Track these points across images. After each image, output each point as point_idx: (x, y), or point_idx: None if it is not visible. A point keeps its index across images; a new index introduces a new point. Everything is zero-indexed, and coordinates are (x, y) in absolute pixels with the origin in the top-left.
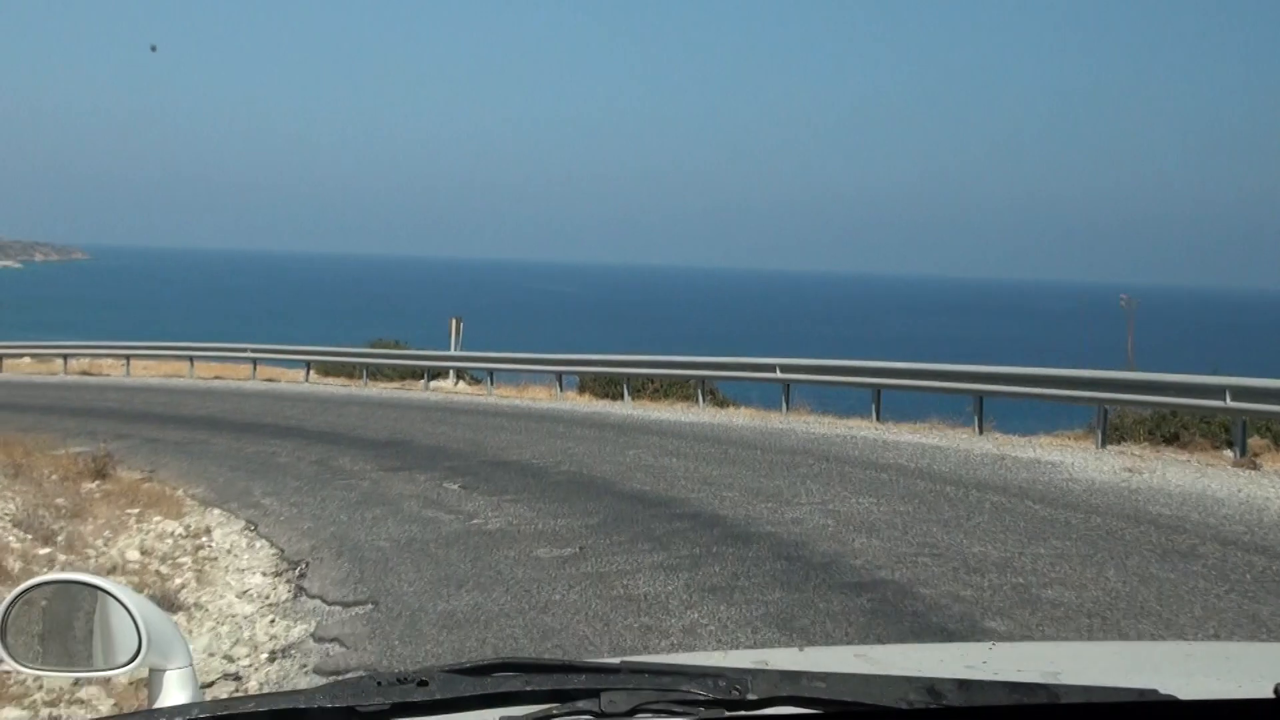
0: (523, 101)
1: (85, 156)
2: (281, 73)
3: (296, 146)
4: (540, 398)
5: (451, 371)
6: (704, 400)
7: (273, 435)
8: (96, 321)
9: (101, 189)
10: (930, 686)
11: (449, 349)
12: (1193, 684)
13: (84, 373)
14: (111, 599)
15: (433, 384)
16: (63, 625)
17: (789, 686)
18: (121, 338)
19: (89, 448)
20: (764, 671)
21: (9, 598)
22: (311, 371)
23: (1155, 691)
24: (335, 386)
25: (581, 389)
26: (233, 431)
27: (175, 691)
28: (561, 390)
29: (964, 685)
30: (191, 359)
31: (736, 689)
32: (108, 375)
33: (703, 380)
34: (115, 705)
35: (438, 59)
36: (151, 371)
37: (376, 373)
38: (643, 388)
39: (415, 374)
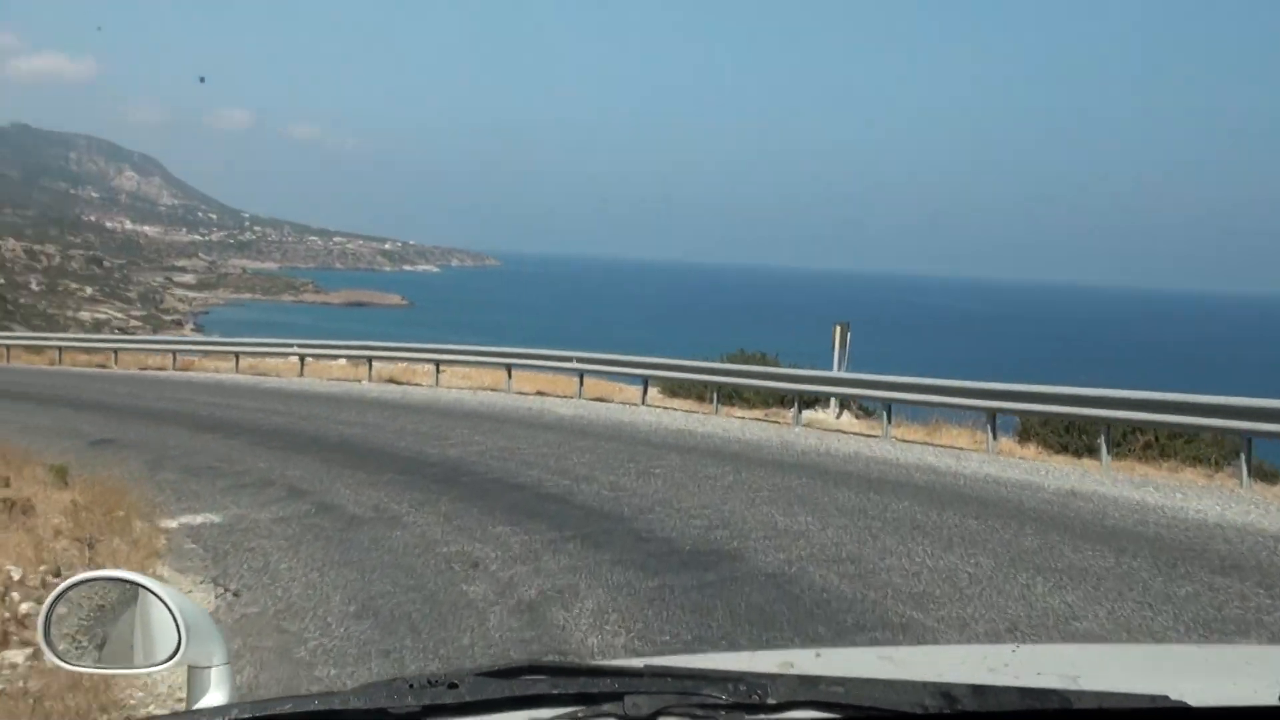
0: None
1: (499, 169)
2: (656, 96)
3: (684, 161)
4: (960, 445)
5: (833, 399)
6: (1247, 473)
7: (516, 509)
8: (494, 322)
9: (516, 200)
10: (946, 691)
11: (831, 368)
12: (1207, 689)
13: (391, 380)
14: (152, 596)
15: (806, 415)
16: (104, 622)
17: (808, 691)
18: (505, 340)
19: (222, 516)
20: (784, 676)
21: (51, 596)
22: (651, 389)
23: (1166, 698)
24: (677, 411)
25: (1023, 435)
26: (460, 497)
27: (214, 689)
28: (994, 437)
29: (978, 690)
30: (509, 368)
31: (757, 693)
32: (416, 385)
33: (1248, 440)
34: None
35: (814, 71)
36: (467, 381)
37: (733, 395)
38: (1124, 440)
39: (783, 399)
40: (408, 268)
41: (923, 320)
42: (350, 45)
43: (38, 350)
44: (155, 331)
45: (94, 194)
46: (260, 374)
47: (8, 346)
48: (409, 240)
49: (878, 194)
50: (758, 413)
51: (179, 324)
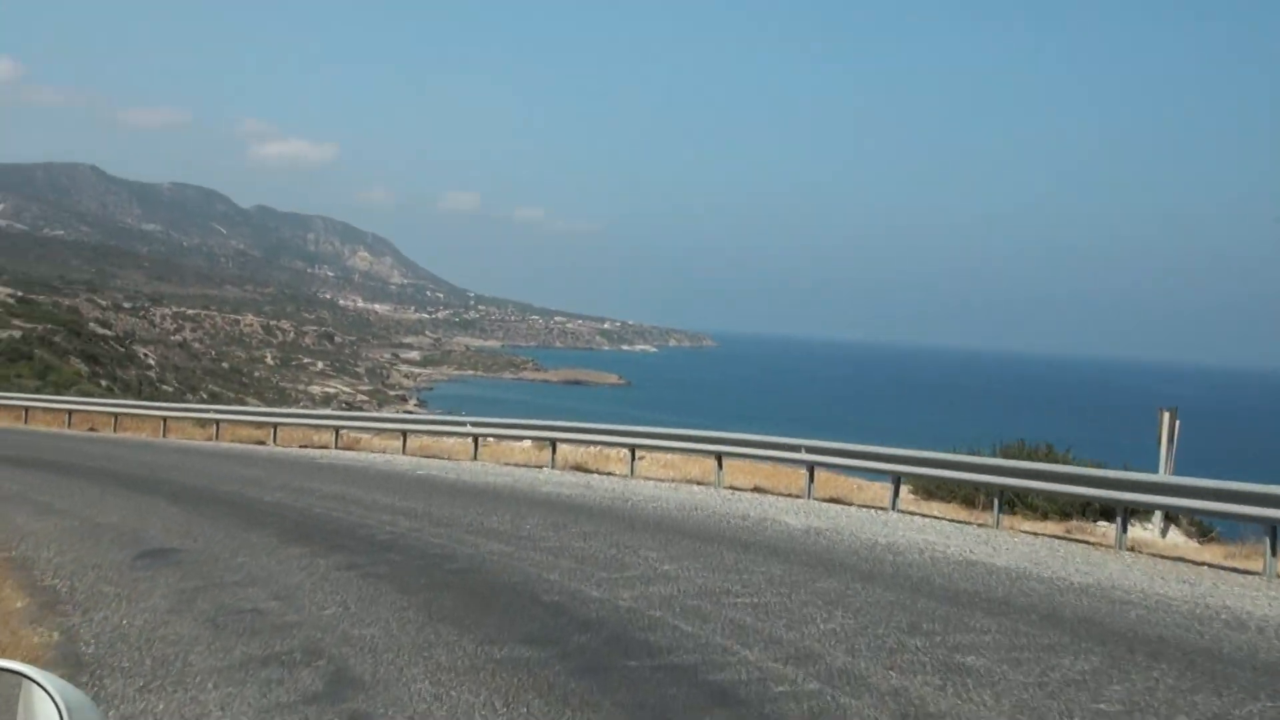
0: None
1: (716, 251)
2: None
3: (903, 240)
4: None
5: (1157, 513)
6: None
7: None
8: (711, 404)
9: (732, 281)
10: None
11: (1157, 468)
12: None
13: (578, 467)
14: (33, 684)
15: (1130, 532)
16: None
17: None
18: (721, 422)
19: None
20: None
21: None
22: (903, 489)
23: None
24: (942, 521)
25: None
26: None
27: None
28: None
29: None
30: (720, 457)
31: None
32: (606, 474)
33: None
34: None
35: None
36: (668, 470)
37: (1016, 500)
38: None
39: (1086, 508)
40: (626, 347)
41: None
42: (574, 133)
43: (202, 424)
44: (380, 406)
45: (329, 273)
46: (430, 455)
47: (165, 419)
48: (628, 320)
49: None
50: (1053, 525)
51: (403, 399)
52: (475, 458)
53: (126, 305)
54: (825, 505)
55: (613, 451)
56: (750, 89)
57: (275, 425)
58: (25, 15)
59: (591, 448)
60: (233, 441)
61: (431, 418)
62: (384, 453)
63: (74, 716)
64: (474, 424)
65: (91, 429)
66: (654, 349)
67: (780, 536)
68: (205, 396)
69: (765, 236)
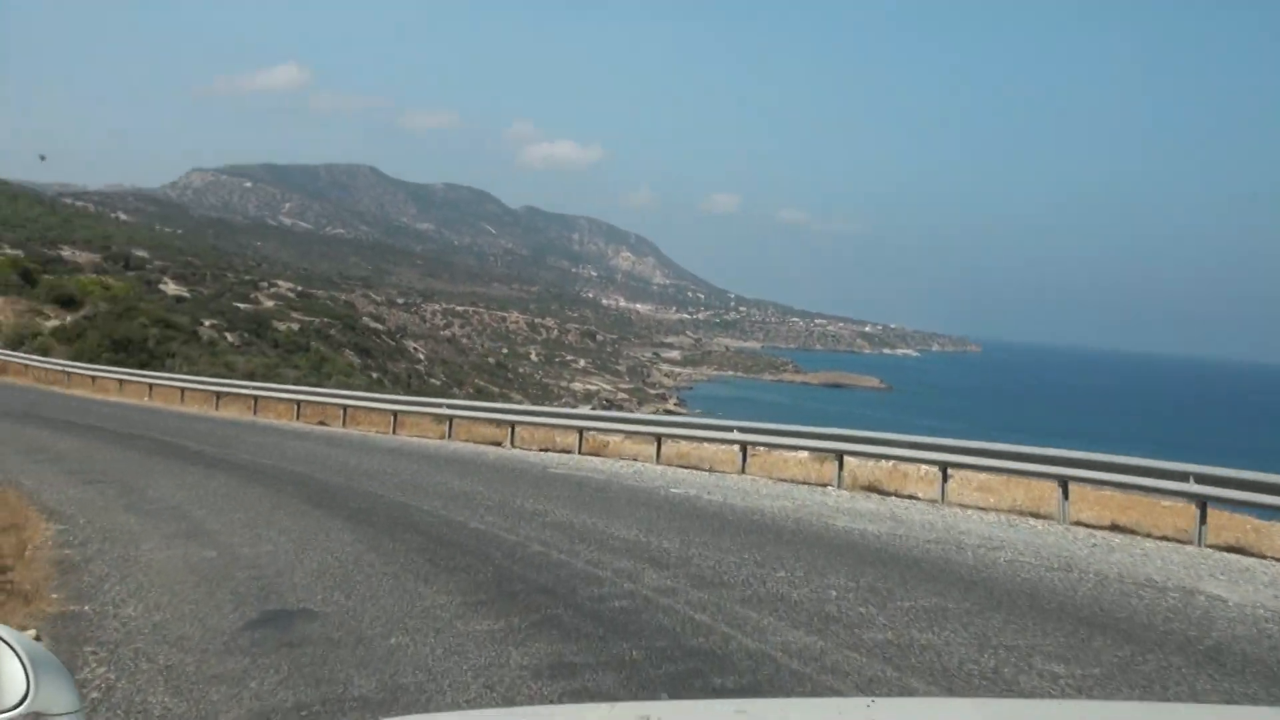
0: None
1: (986, 258)
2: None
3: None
4: None
5: None
6: None
7: None
8: (980, 411)
9: (1000, 285)
10: None
11: None
12: None
13: (870, 487)
14: None
15: None
16: None
17: None
18: (1026, 435)
19: None
20: None
21: None
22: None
23: None
24: None
25: None
26: None
27: None
28: None
29: None
30: (1065, 482)
31: None
32: (908, 499)
33: None
34: None
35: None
36: (986, 496)
37: None
38: None
39: None
40: (887, 351)
41: None
42: (838, 137)
43: (438, 419)
44: (640, 405)
45: (593, 272)
46: (687, 465)
47: (396, 413)
48: (890, 324)
49: None
50: None
51: (663, 398)
52: (743, 471)
53: (399, 301)
54: (1231, 558)
55: (909, 469)
56: (1021, 91)
57: (514, 424)
58: (313, 26)
59: (884, 462)
60: (466, 440)
61: (691, 420)
62: (634, 460)
63: (40, 676)
64: (741, 429)
65: (321, 422)
66: (915, 353)
67: (1243, 633)
68: (472, 391)
69: (1037, 241)
